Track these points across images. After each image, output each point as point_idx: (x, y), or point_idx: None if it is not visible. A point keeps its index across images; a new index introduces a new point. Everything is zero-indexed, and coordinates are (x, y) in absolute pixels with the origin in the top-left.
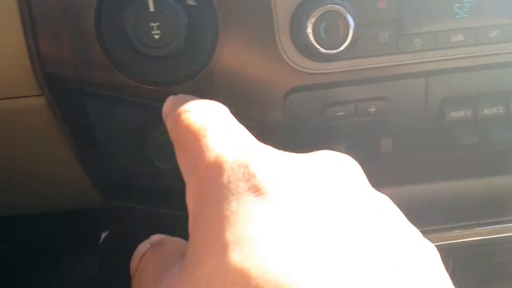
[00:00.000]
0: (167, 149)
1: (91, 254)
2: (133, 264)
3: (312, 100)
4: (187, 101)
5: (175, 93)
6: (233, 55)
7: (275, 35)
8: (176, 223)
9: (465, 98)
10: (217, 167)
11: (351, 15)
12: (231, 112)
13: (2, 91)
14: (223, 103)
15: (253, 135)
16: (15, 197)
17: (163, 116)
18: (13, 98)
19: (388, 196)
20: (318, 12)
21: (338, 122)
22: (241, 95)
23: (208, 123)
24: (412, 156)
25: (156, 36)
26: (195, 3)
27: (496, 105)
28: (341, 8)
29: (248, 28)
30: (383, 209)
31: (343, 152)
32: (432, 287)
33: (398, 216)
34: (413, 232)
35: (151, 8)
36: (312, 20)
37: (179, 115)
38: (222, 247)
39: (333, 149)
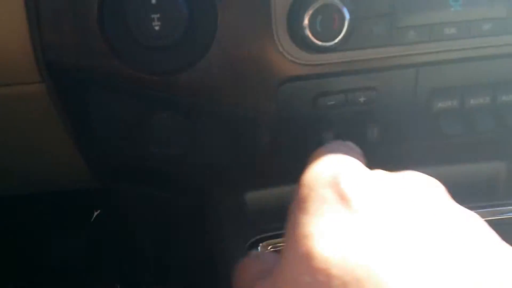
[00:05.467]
0: (163, 136)
1: (81, 232)
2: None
3: (305, 90)
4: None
5: (173, 83)
6: (231, 46)
7: (272, 27)
8: (168, 205)
9: (453, 89)
10: (314, 181)
11: (347, 8)
12: (225, 100)
13: (4, 78)
14: (219, 91)
15: (248, 123)
16: (11, 178)
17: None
18: (15, 84)
19: None
20: (314, 5)
21: (329, 111)
22: (236, 85)
23: (326, 154)
24: (398, 144)
25: (157, 28)
26: None
27: (483, 95)
28: (338, 1)
29: (246, 20)
30: (471, 223)
31: (331, 139)
32: None
33: (486, 231)
34: (504, 249)
35: (153, 0)
36: (309, 13)
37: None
38: (309, 237)
39: (322, 137)
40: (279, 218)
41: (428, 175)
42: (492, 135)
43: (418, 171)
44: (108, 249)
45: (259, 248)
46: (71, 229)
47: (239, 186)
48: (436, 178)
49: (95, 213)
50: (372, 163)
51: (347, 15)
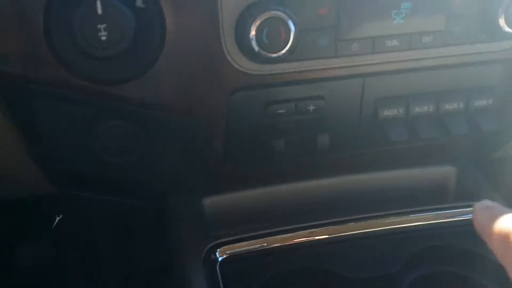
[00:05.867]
0: (112, 144)
1: (45, 239)
2: None
3: (255, 99)
4: (505, 218)
5: (121, 93)
6: (180, 56)
7: (220, 38)
8: (127, 211)
9: (398, 98)
10: None
11: (292, 21)
12: (175, 109)
13: None
14: (169, 101)
15: (200, 131)
16: None
17: (479, 228)
18: None
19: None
20: (261, 18)
21: (279, 119)
22: (186, 95)
23: None
24: (348, 151)
25: (103, 38)
26: (143, 5)
27: (427, 104)
28: (283, 14)
29: (195, 31)
30: None
31: (282, 147)
32: None
33: None
34: None
35: (99, 11)
36: (255, 25)
37: (506, 235)
38: None
39: (273, 145)
40: (237, 223)
41: (379, 179)
42: (436, 142)
43: (368, 175)
44: (71, 256)
45: (217, 253)
46: (34, 236)
47: (196, 192)
48: (388, 183)
49: (57, 219)
50: (322, 170)
51: (292, 28)
